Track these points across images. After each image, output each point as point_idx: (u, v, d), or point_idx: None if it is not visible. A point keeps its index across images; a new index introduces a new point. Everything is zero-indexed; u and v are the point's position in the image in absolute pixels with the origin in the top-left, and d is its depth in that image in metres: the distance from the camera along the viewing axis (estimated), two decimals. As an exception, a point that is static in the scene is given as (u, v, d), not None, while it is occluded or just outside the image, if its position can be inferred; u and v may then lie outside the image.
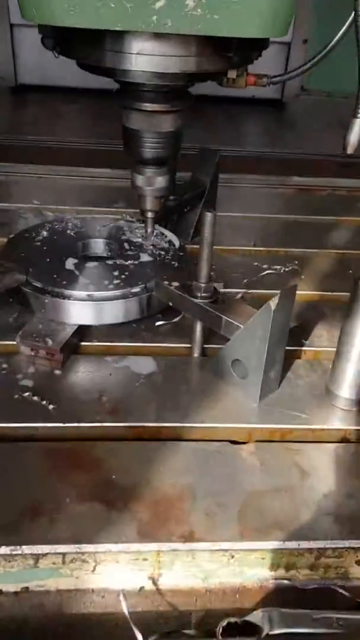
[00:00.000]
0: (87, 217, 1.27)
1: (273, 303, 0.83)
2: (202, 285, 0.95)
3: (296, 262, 1.33)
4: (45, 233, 1.19)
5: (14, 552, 0.69)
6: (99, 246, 1.20)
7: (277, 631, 0.70)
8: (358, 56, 0.93)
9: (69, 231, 1.20)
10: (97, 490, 0.78)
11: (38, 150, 1.94)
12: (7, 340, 1.04)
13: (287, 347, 0.94)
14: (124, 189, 1.66)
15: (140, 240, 1.18)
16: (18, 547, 0.69)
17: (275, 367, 0.92)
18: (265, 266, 1.31)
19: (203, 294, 0.96)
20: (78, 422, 0.89)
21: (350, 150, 0.99)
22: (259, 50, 0.91)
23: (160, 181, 1.08)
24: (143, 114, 0.98)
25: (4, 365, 0.98)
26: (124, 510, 0.75)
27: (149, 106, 0.96)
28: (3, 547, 0.69)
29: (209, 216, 0.89)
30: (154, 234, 1.19)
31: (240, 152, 2.05)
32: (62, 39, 0.91)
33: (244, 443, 0.88)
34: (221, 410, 0.92)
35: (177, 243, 1.20)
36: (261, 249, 1.39)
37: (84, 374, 0.98)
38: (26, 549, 0.70)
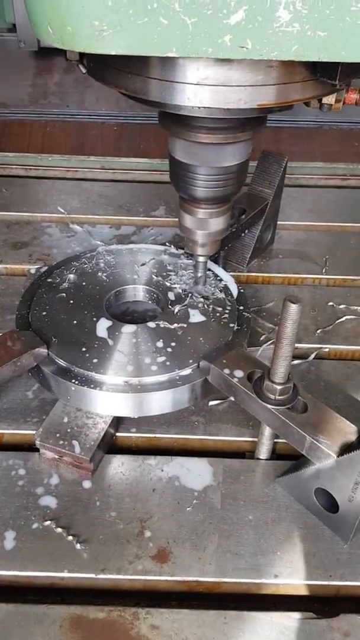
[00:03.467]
0: (122, 249, 1.02)
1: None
2: (278, 387, 0.71)
3: (380, 303, 1.07)
4: (71, 277, 0.95)
5: None
6: (137, 294, 0.96)
7: None
8: None
9: (100, 273, 0.96)
10: None
11: (65, 128, 1.66)
12: (26, 429, 0.83)
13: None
14: (163, 186, 1.41)
15: (189, 287, 0.94)
16: None
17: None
18: (342, 307, 1.06)
19: (278, 397, 0.72)
20: (116, 572, 0.68)
21: None
22: None
23: (217, 223, 0.82)
24: (198, 145, 0.71)
25: (21, 472, 0.78)
26: None
27: (206, 138, 0.70)
28: None
29: (293, 308, 0.64)
30: (207, 275, 0.95)
31: (299, 122, 1.72)
32: (89, 56, 0.64)
33: (332, 608, 0.67)
34: (300, 556, 0.71)
35: (234, 289, 0.95)
36: (334, 277, 1.13)
37: (120, 487, 0.77)
38: None
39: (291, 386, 0.73)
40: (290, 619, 0.66)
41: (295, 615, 0.67)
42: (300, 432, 0.70)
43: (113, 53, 0.50)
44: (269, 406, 0.72)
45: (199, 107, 0.59)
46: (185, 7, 0.45)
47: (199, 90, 0.57)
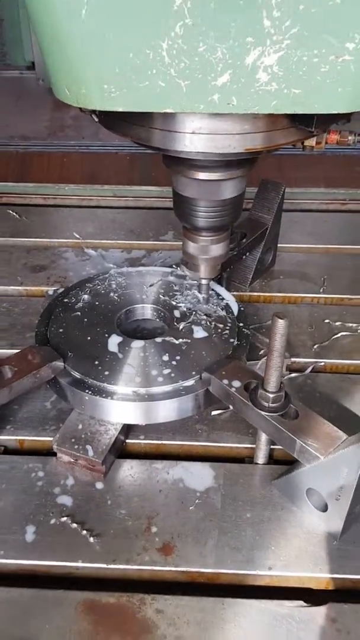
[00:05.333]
0: (132, 271, 1.10)
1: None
2: (271, 395, 0.79)
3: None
4: (85, 297, 1.03)
5: None
6: (146, 312, 1.04)
7: None
8: None
9: (112, 294, 1.05)
10: (146, 674, 0.66)
11: (81, 158, 1.76)
12: (44, 436, 0.91)
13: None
14: (172, 212, 1.48)
15: (193, 305, 1.02)
16: None
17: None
18: (338, 324, 1.13)
19: (271, 405, 0.80)
20: (125, 563, 0.76)
21: None
22: (349, 116, 0.71)
23: (217, 249, 0.91)
24: (197, 181, 0.80)
25: (40, 474, 0.86)
26: None
27: (204, 175, 0.78)
28: None
29: (280, 324, 0.72)
30: (210, 294, 1.03)
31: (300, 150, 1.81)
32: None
33: (321, 598, 0.74)
34: (293, 551, 0.77)
35: (234, 307, 1.03)
36: (331, 296, 1.21)
37: (130, 488, 0.84)
38: None
39: (283, 395, 0.80)
40: (283, 607, 0.73)
41: (288, 604, 0.73)
42: (291, 436, 0.77)
43: (120, 110, 0.59)
44: (263, 413, 0.80)
45: (195, 152, 0.68)
46: (179, 72, 0.54)
47: (195, 138, 0.66)
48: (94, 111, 0.73)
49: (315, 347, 1.08)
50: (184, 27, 0.52)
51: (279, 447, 0.88)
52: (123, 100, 0.58)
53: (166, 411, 0.88)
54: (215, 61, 0.54)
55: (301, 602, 0.73)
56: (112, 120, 0.72)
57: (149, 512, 0.81)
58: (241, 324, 1.00)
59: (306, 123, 0.65)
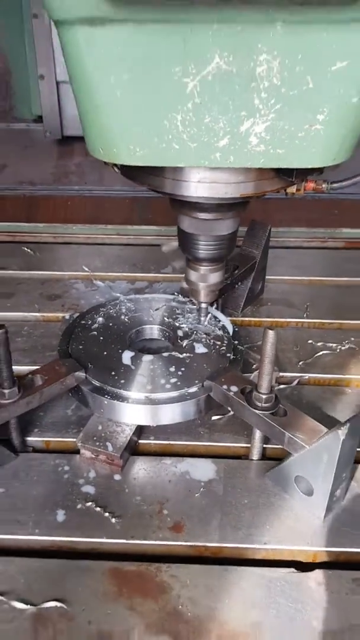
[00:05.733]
0: (140, 297, 1.27)
1: (342, 432, 0.82)
2: (263, 396, 0.95)
3: (352, 338, 1.30)
4: (100, 319, 1.19)
5: None
6: (153, 332, 1.20)
7: None
8: None
9: (123, 317, 1.20)
10: (166, 622, 0.79)
11: (85, 201, 1.95)
12: (68, 437, 1.05)
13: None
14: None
15: (193, 325, 1.18)
16: None
17: (342, 485, 0.91)
18: (319, 344, 1.29)
19: (264, 405, 0.95)
20: (143, 539, 0.89)
21: None
22: (322, 169, 0.89)
23: (215, 277, 1.08)
24: (199, 220, 0.97)
25: (66, 468, 0.99)
26: (193, 650, 0.76)
27: (204, 216, 0.96)
28: None
29: (270, 334, 0.88)
30: (208, 317, 1.19)
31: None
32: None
33: (310, 567, 0.88)
34: (285, 529, 0.91)
35: (230, 328, 1.19)
36: (314, 321, 1.37)
37: (143, 479, 0.98)
38: None
39: (274, 396, 0.96)
40: (276, 572, 0.86)
41: (281, 570, 0.87)
42: (281, 430, 0.92)
43: (141, 165, 0.76)
44: (257, 412, 0.95)
45: (199, 197, 0.85)
46: (190, 137, 0.71)
47: (199, 186, 0.83)
48: (115, 165, 0.90)
49: (300, 363, 1.24)
50: (193, 105, 0.70)
51: (271, 446, 1.03)
52: (145, 158, 0.75)
53: (173, 414, 1.03)
54: (217, 129, 0.71)
55: (293, 570, 0.87)
56: (132, 171, 0.89)
57: (161, 499, 0.95)
58: (236, 342, 1.16)
59: (288, 175, 0.83)
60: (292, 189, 0.89)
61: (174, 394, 1.03)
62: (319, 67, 0.67)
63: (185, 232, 0.99)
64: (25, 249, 1.62)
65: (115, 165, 0.90)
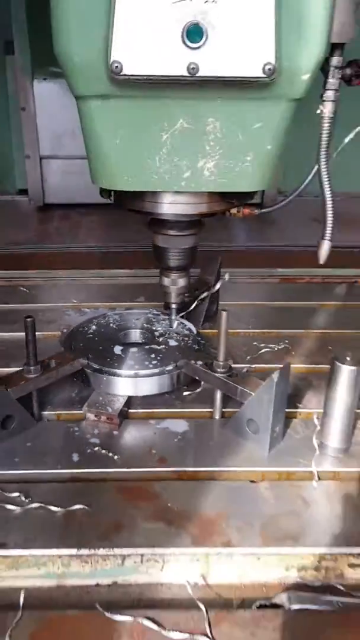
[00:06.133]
0: (123, 312, 1.62)
1: (275, 376, 1.17)
2: (221, 363, 1.30)
3: (286, 340, 1.68)
4: (94, 327, 1.54)
5: (108, 554, 1.00)
6: (136, 335, 1.55)
7: (295, 607, 0.99)
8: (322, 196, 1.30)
9: (111, 324, 1.55)
10: (159, 513, 1.09)
11: (64, 256, 2.32)
12: (75, 410, 1.37)
13: (287, 409, 1.28)
14: (141, 285, 2.05)
15: (166, 329, 1.54)
16: (111, 549, 1.00)
17: (278, 425, 1.25)
18: (262, 345, 1.66)
19: (222, 370, 1.30)
20: (138, 467, 1.20)
21: (322, 262, 1.35)
22: (253, 195, 1.29)
23: (182, 282, 1.45)
24: (169, 236, 1.36)
25: (76, 429, 1.30)
26: (181, 527, 1.06)
27: (173, 232, 1.34)
28: (101, 549, 1.00)
29: (224, 315, 1.25)
30: (177, 323, 1.55)
31: (233, 248, 2.45)
32: (115, 192, 1.29)
33: (260, 481, 1.20)
34: (241, 458, 1.23)
35: (194, 330, 1.55)
36: (257, 331, 1.75)
37: (135, 433, 1.30)
38: (117, 551, 1.00)
39: (229, 364, 1.31)
40: (236, 483, 1.18)
41: (239, 481, 1.19)
42: (235, 385, 1.27)
43: (132, 190, 1.14)
44: (217, 375, 1.30)
45: (170, 214, 1.23)
46: (164, 171, 1.11)
47: (171, 207, 1.22)
48: (110, 195, 1.28)
49: (248, 357, 1.60)
50: (167, 150, 1.09)
51: (228, 409, 1.36)
52: (135, 184, 1.14)
53: (155, 385, 1.37)
54: (182, 166, 1.11)
55: (248, 482, 1.20)
56: (121, 199, 1.27)
57: (149, 443, 1.27)
58: (200, 338, 1.52)
59: (230, 199, 1.22)
60: (234, 211, 1.29)
61: (155, 370, 1.37)
62: (245, 126, 1.07)
63: (159, 247, 1.37)
64: (22, 288, 1.97)
65: (110, 195, 1.27)
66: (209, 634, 0.90)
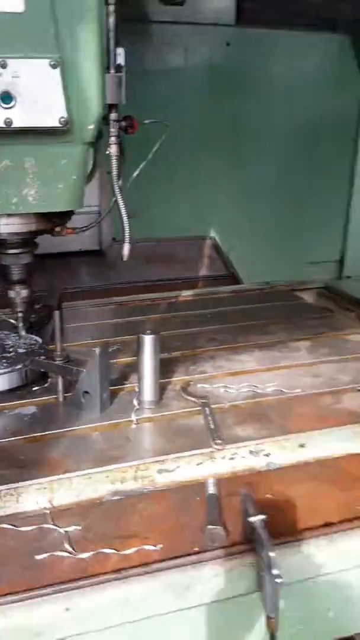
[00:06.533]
0: (-23, 332, 1.91)
1: (97, 350, 1.52)
2: (58, 354, 1.63)
3: (119, 344, 2.04)
4: None
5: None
6: (-10, 349, 1.84)
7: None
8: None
9: (-32, 341, 1.84)
10: (14, 463, 1.38)
11: None
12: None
13: (114, 386, 1.62)
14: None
15: (15, 341, 1.84)
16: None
17: (105, 392, 1.59)
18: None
19: (59, 359, 1.63)
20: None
21: (125, 259, 1.70)
22: (71, 215, 1.67)
23: (24, 292, 1.78)
24: (10, 255, 1.69)
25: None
26: (32, 469, 1.36)
27: (12, 251, 1.68)
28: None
29: (56, 314, 1.59)
30: (25, 337, 1.86)
31: (77, 288, 2.82)
32: None
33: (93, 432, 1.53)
34: (80, 422, 1.56)
35: (40, 340, 1.87)
36: (96, 341, 2.10)
37: None
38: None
39: (66, 354, 1.64)
40: (75, 438, 1.50)
41: (77, 437, 1.50)
42: (70, 368, 1.60)
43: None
44: (56, 362, 1.63)
45: (4, 233, 1.58)
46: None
47: (5, 227, 1.56)
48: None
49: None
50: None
51: (70, 394, 1.68)
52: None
53: (6, 382, 1.66)
54: (11, 194, 1.46)
55: (84, 435, 1.51)
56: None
57: (3, 424, 1.55)
58: (45, 347, 1.84)
59: (52, 218, 1.60)
60: (58, 229, 1.66)
61: (7, 369, 1.67)
62: (54, 163, 1.45)
63: (3, 265, 1.70)
64: None
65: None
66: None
